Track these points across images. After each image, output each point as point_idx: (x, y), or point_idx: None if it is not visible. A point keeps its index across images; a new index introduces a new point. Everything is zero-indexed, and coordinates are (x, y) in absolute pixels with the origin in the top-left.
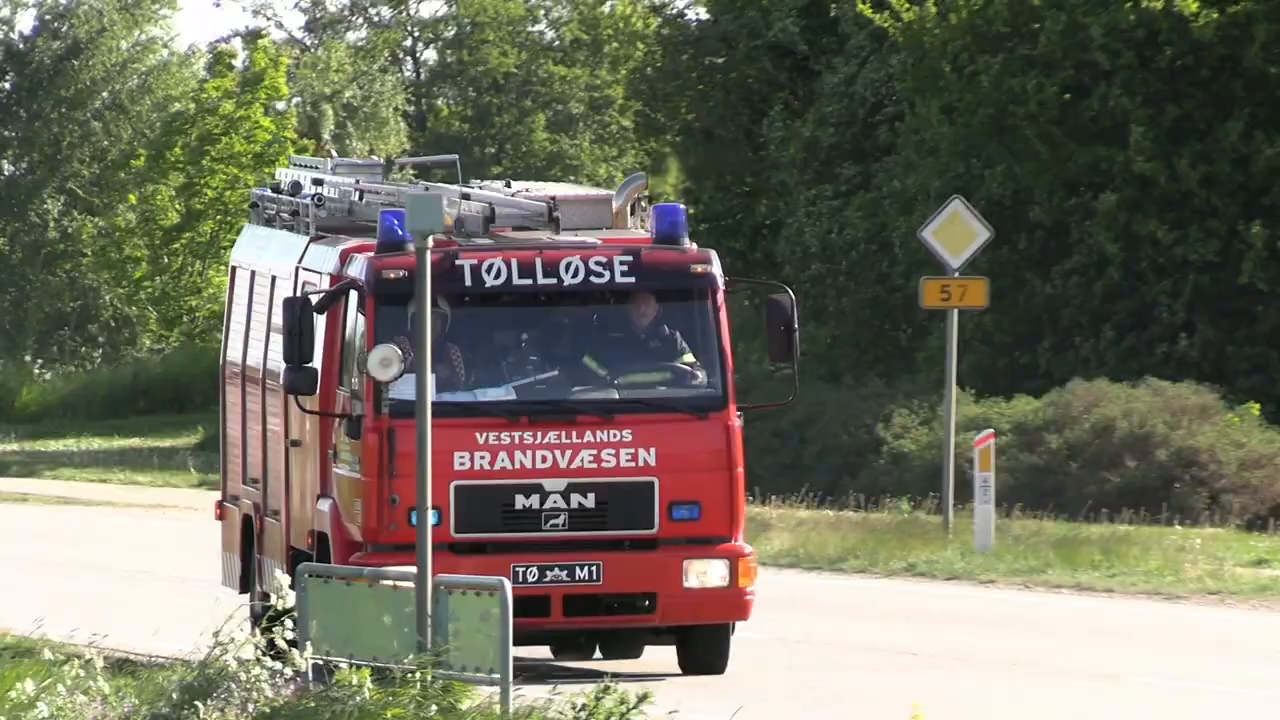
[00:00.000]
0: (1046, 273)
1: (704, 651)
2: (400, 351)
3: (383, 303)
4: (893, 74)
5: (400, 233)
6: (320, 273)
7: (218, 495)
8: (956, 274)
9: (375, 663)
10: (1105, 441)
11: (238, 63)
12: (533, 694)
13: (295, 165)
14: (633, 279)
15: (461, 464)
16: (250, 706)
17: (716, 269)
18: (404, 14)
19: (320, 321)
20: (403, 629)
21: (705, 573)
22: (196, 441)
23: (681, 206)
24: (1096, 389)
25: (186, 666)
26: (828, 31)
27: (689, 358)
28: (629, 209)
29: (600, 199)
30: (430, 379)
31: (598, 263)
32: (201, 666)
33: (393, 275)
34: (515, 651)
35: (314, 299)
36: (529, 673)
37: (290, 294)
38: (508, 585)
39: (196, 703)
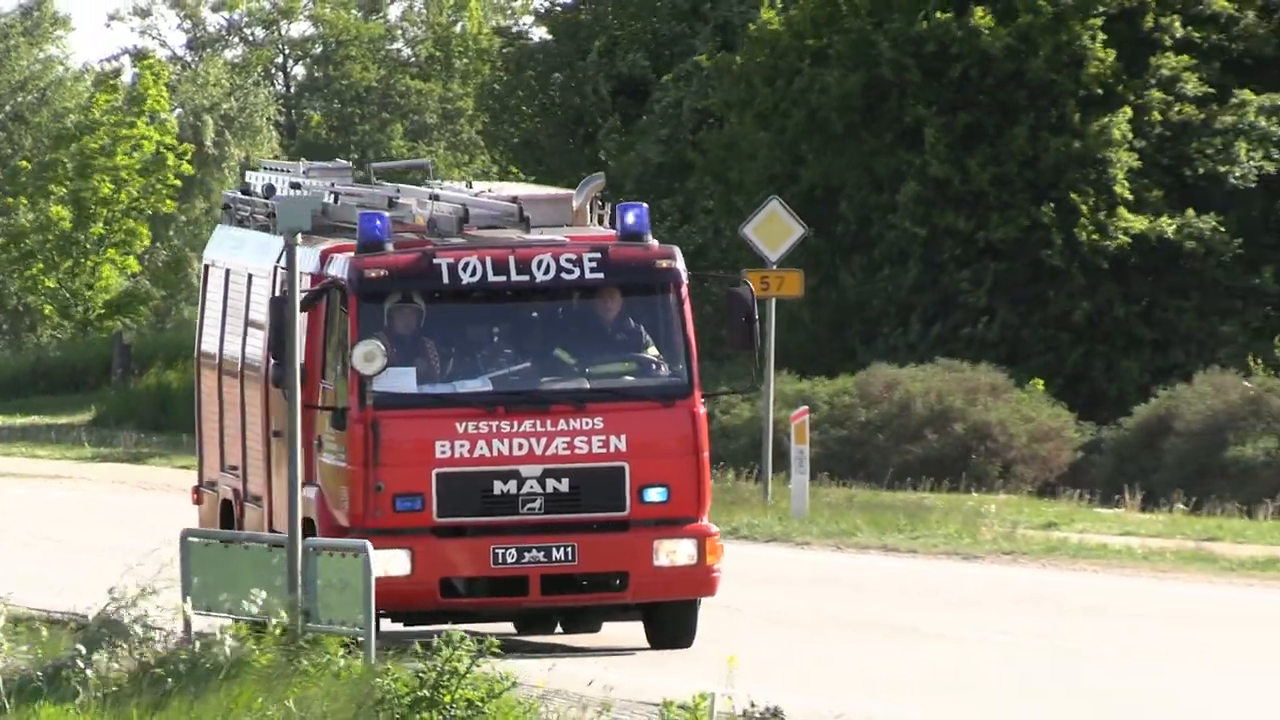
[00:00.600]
0: (860, 262)
1: (671, 627)
2: (384, 347)
3: (365, 300)
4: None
5: (379, 233)
6: (301, 272)
7: (193, 480)
8: (774, 266)
9: (250, 617)
10: (907, 417)
11: (125, 78)
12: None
13: (266, 169)
14: (601, 274)
15: (442, 452)
16: (138, 656)
17: (680, 264)
18: (276, 34)
19: (302, 319)
20: (276, 587)
21: (674, 552)
22: (90, 419)
23: (644, 205)
24: (897, 371)
25: (84, 621)
26: (663, 59)
27: (655, 349)
28: (588, 207)
29: (561, 198)
30: (406, 368)
31: (568, 259)
32: (98, 621)
33: (374, 274)
34: (481, 628)
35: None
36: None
37: (272, 293)
38: (370, 547)
39: (91, 654)
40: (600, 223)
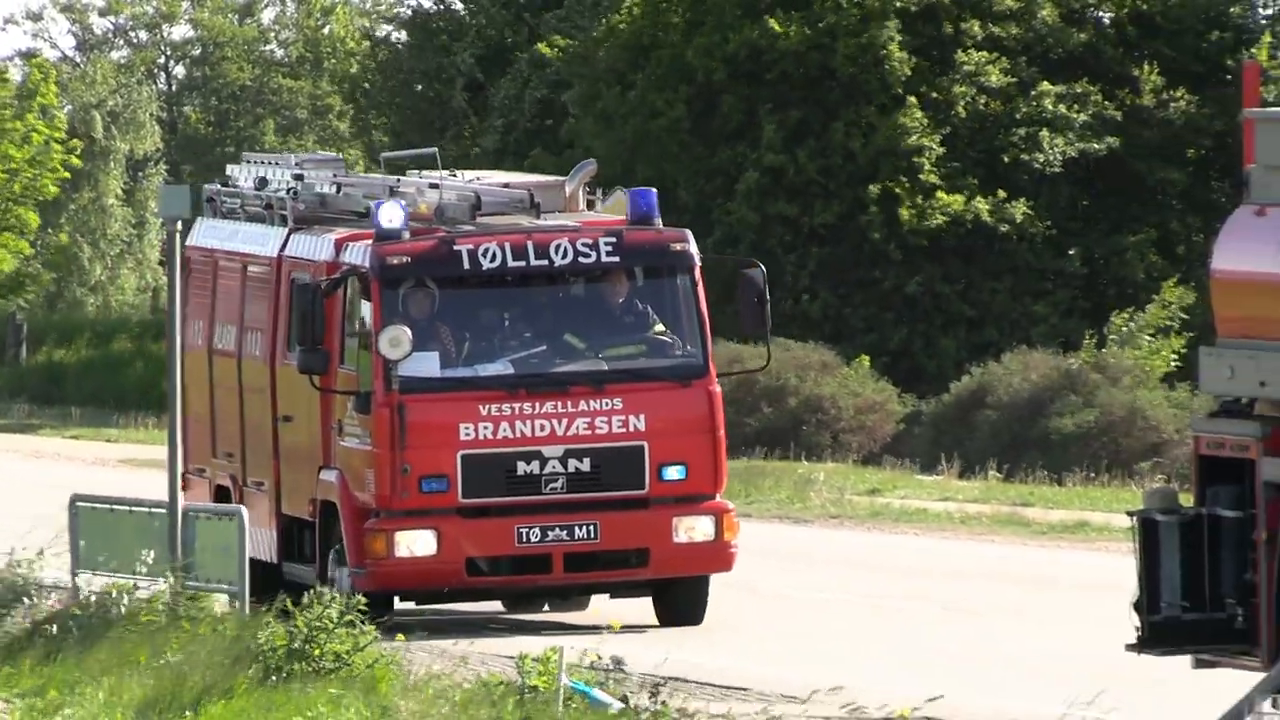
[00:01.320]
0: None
1: (684, 603)
2: (409, 332)
3: (387, 286)
4: (550, 94)
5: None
6: (312, 260)
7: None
8: None
9: (136, 577)
10: (747, 391)
11: (16, 76)
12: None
13: (251, 162)
14: (617, 258)
15: (466, 434)
16: (31, 614)
17: (693, 247)
18: (159, 36)
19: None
20: (158, 549)
21: (693, 528)
22: None
23: (654, 190)
24: (739, 348)
25: None
26: (500, 60)
27: (671, 330)
28: (580, 192)
29: (553, 184)
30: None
31: (584, 244)
32: None
33: (396, 261)
34: (468, 607)
35: (322, 285)
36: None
37: (274, 281)
38: (244, 511)
39: None
40: (590, 208)
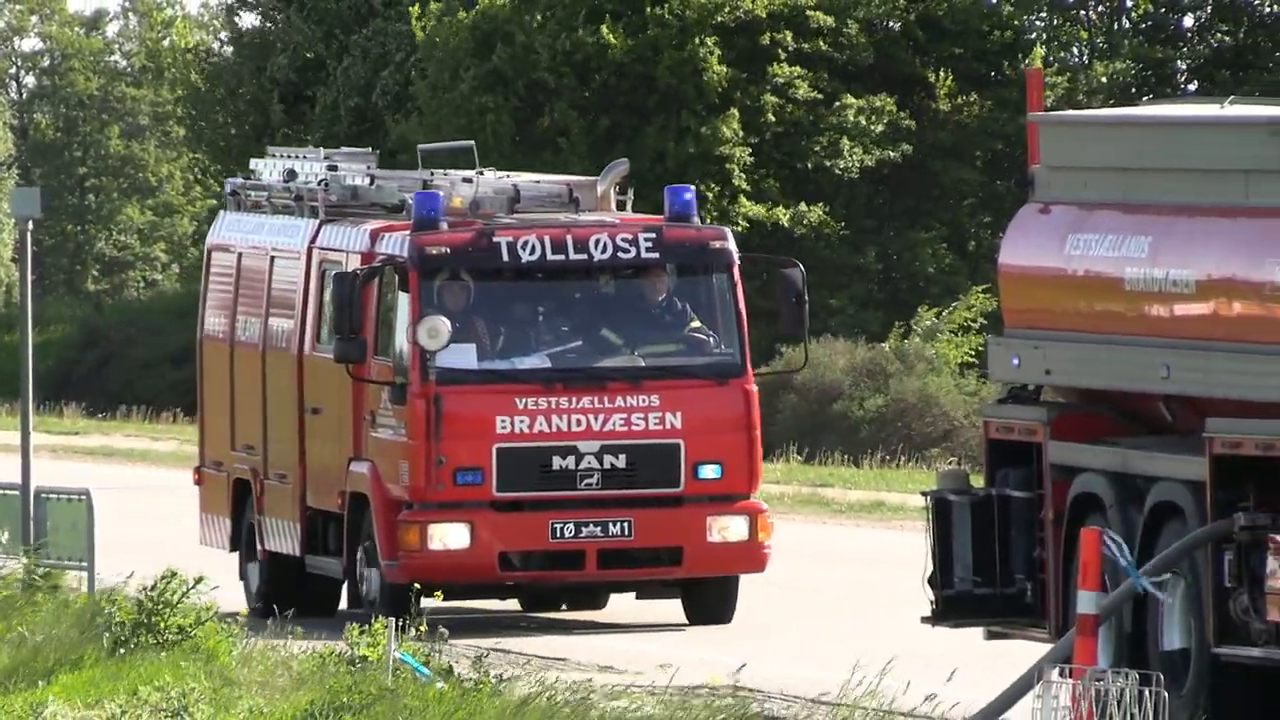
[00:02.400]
0: None
1: (714, 602)
2: (447, 323)
3: (426, 277)
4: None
5: (434, 213)
6: (346, 251)
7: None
8: None
9: None
10: None
11: None
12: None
13: (278, 155)
14: (656, 254)
15: (502, 427)
16: None
17: (731, 244)
18: (10, 47)
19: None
20: (12, 529)
21: (728, 528)
22: None
23: (692, 187)
24: None
25: None
26: (319, 68)
27: (708, 328)
28: (611, 192)
29: (585, 184)
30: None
31: (624, 239)
32: None
33: (435, 251)
34: (485, 605)
35: (360, 274)
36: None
37: (305, 272)
38: (93, 491)
39: None
40: (621, 208)
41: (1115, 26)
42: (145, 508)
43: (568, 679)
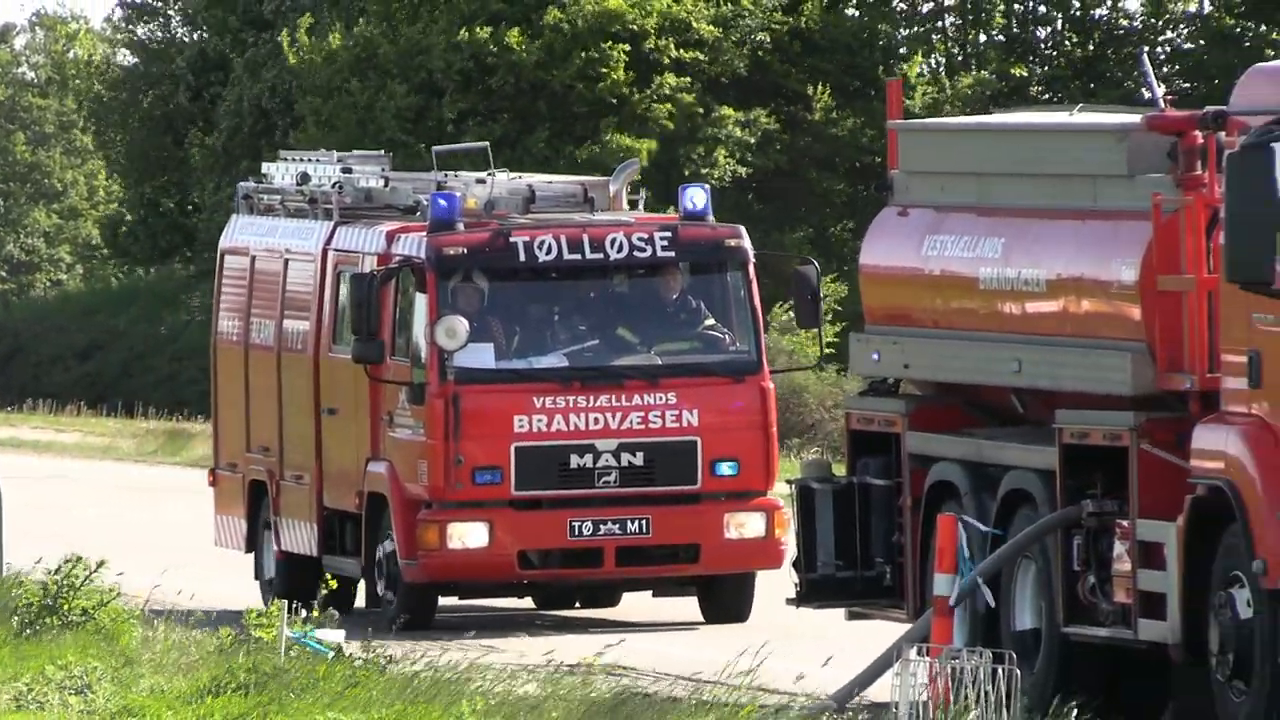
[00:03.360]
0: None
1: (731, 599)
2: (465, 323)
3: (443, 278)
4: (271, 97)
5: (451, 213)
6: (362, 253)
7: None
8: None
9: None
10: None
11: None
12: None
13: (290, 159)
14: (672, 253)
15: (521, 426)
16: None
17: (747, 243)
18: None
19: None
20: None
21: (744, 524)
22: None
23: (707, 186)
24: None
25: None
26: (219, 69)
27: (724, 325)
28: (622, 192)
29: (598, 184)
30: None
31: (640, 238)
32: None
33: (452, 252)
34: (498, 603)
35: (377, 275)
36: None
37: (320, 274)
38: (0, 481)
39: None
40: (633, 207)
41: (975, 39)
42: (53, 498)
43: (455, 657)
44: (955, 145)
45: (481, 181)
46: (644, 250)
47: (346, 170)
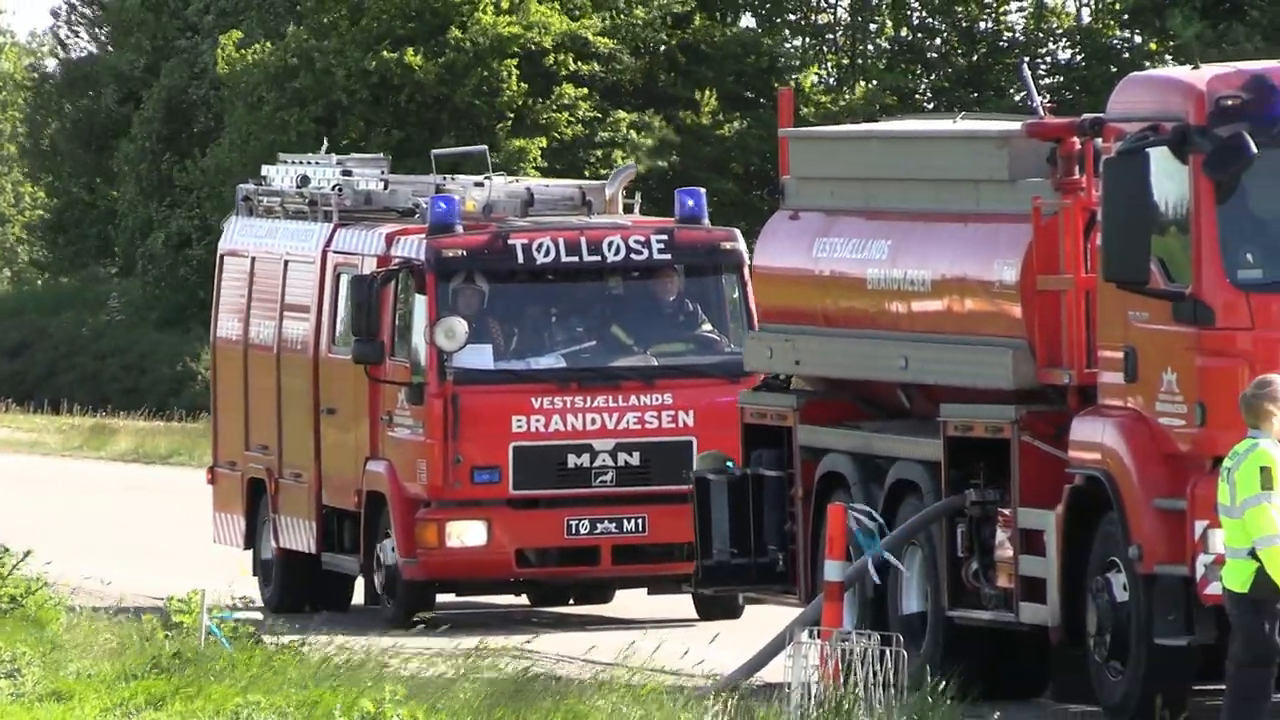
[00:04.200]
0: None
1: (723, 599)
2: (464, 324)
3: (442, 279)
4: (198, 102)
5: (450, 216)
6: (362, 254)
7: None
8: None
9: None
10: None
11: None
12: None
13: (290, 162)
14: (669, 255)
15: (519, 426)
16: None
17: (742, 245)
18: None
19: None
20: None
21: None
22: None
23: (702, 190)
24: None
25: None
26: (151, 72)
27: (719, 327)
28: (619, 195)
29: (594, 188)
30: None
31: (637, 241)
32: None
33: (451, 254)
34: (496, 600)
35: (378, 277)
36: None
37: (320, 276)
38: None
39: None
40: (629, 211)
41: (866, 49)
42: None
43: (354, 642)
44: (843, 152)
45: (480, 184)
46: (640, 253)
47: (346, 173)
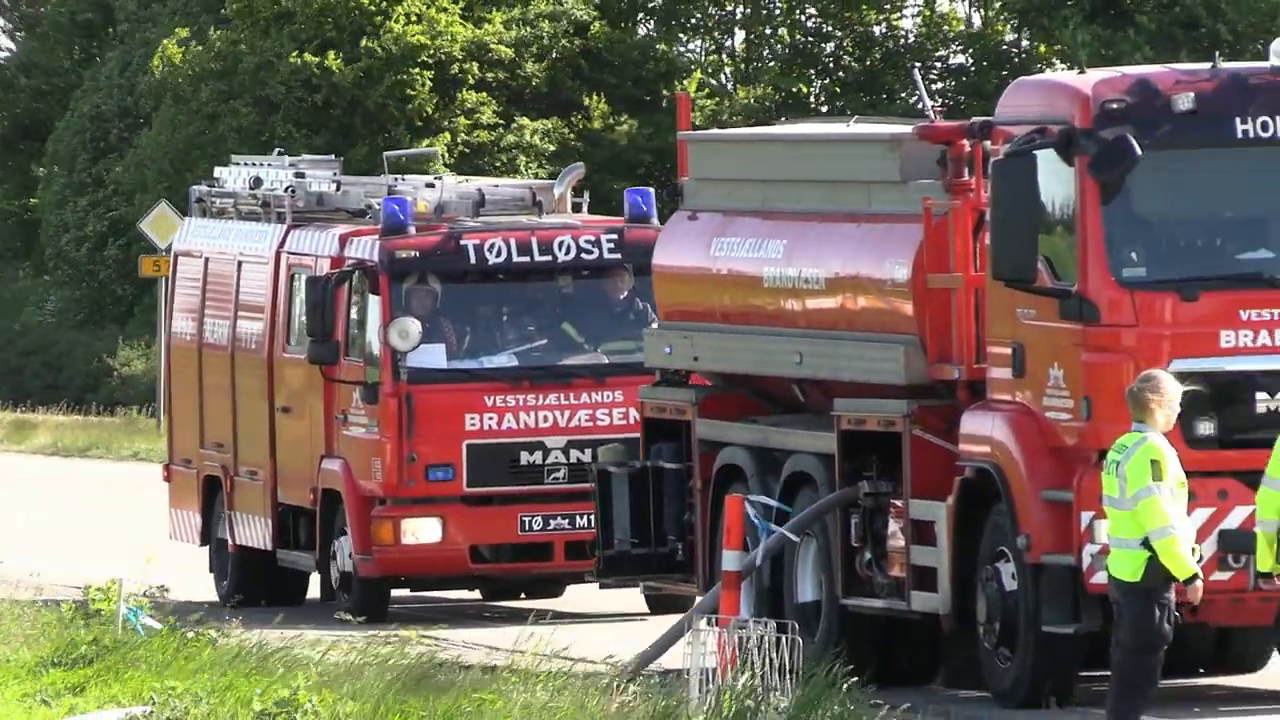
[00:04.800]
0: None
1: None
2: (417, 324)
3: (395, 280)
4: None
5: (403, 217)
6: (316, 255)
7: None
8: (164, 252)
9: None
10: None
11: None
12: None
13: (242, 164)
14: (619, 255)
15: (472, 424)
16: None
17: None
18: None
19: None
20: None
21: None
22: None
23: (650, 191)
24: None
25: None
26: (84, 65)
27: None
28: (567, 195)
29: (544, 187)
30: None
31: (587, 241)
32: None
33: (404, 255)
34: (449, 595)
35: (332, 278)
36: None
37: (272, 276)
38: None
39: None
40: (577, 210)
41: (759, 55)
42: None
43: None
44: (741, 154)
45: (431, 185)
46: (591, 252)
47: (299, 174)
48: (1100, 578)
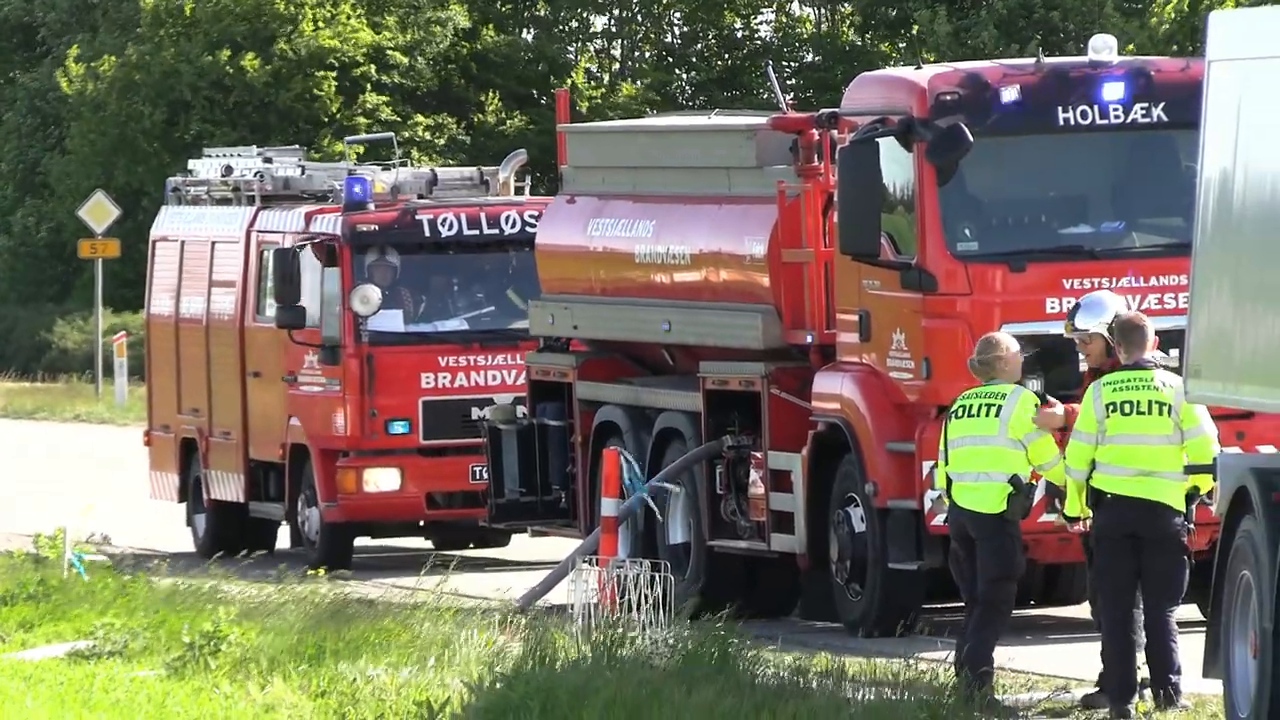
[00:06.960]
0: None
1: None
2: (377, 291)
3: (357, 252)
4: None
5: (363, 196)
6: (283, 232)
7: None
8: (100, 236)
9: None
10: None
11: None
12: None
13: (214, 155)
14: None
15: (427, 383)
16: None
17: None
18: None
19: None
20: None
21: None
22: None
23: None
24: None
25: None
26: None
27: None
28: (511, 179)
29: (489, 172)
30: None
31: (531, 215)
32: None
33: (365, 229)
34: (400, 543)
35: (298, 250)
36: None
37: (243, 253)
38: None
39: None
40: (520, 193)
41: (636, 54)
42: None
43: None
44: (614, 144)
45: (388, 169)
46: (534, 226)
47: (267, 161)
48: (940, 519)
